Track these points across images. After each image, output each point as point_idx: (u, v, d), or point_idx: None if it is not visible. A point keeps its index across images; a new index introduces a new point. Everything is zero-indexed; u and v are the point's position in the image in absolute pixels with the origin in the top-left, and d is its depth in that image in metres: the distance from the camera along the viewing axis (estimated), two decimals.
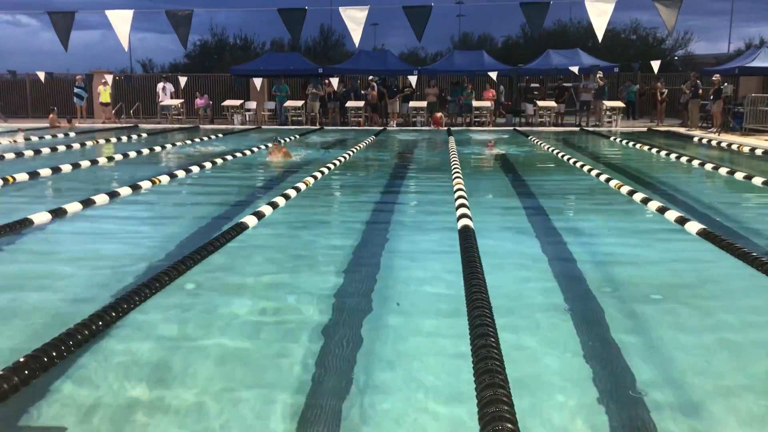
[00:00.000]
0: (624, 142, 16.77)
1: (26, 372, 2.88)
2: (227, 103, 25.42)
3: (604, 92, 24.02)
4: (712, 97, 19.67)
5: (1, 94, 30.34)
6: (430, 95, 25.25)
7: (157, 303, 4.17)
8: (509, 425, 2.38)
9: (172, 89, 25.76)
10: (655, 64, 23.07)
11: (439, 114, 23.77)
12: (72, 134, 19.14)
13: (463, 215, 6.42)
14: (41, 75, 25.35)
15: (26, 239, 6.16)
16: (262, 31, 69.54)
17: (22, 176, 9.68)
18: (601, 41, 14.84)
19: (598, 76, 23.42)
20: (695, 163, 11.91)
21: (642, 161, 13.22)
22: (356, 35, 13.75)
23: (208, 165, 11.49)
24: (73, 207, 7.25)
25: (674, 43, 43.40)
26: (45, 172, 10.30)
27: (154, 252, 5.71)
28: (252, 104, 25.83)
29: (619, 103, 23.64)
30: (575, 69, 23.27)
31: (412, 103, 24.40)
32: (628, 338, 3.77)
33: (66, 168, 10.95)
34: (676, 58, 33.40)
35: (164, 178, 9.62)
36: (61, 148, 14.85)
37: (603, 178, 9.64)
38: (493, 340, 3.08)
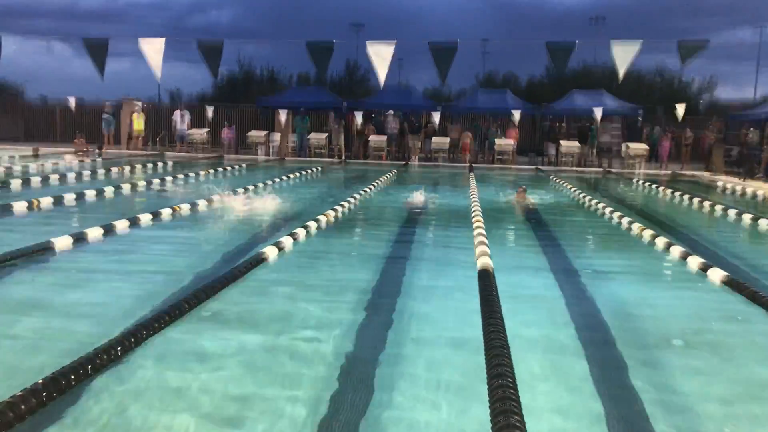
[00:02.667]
0: (647, 185, 16.68)
1: (44, 395, 2.90)
2: (252, 134, 25.72)
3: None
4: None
5: (32, 119, 31.04)
6: (453, 132, 25.40)
7: (177, 330, 4.19)
8: None
9: (189, 118, 25.98)
10: (680, 108, 22.99)
11: (467, 141, 24.08)
12: (99, 161, 19.47)
13: (483, 254, 6.40)
14: (72, 101, 25.85)
15: (47, 263, 6.24)
16: (289, 64, 70.54)
17: (46, 201, 9.85)
18: (625, 84, 14.84)
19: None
20: (719, 209, 11.80)
21: (665, 206, 13.12)
22: (382, 71, 13.91)
23: (228, 195, 11.60)
24: (95, 232, 7.35)
25: (699, 87, 43.39)
26: (69, 197, 10.48)
27: (174, 280, 5.75)
28: (276, 136, 26.09)
29: (643, 146, 23.56)
30: (599, 110, 23.27)
31: (435, 140, 24.52)
32: (647, 383, 3.71)
33: (90, 194, 11.13)
34: (701, 102, 33.31)
35: (185, 207, 9.71)
36: (87, 174, 15.10)
37: (625, 221, 9.56)
38: (510, 380, 3.05)
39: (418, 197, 12.15)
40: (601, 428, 3.19)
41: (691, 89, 42.40)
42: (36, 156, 20.86)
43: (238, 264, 5.87)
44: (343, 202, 10.62)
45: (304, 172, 17.26)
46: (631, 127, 24.37)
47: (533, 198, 11.33)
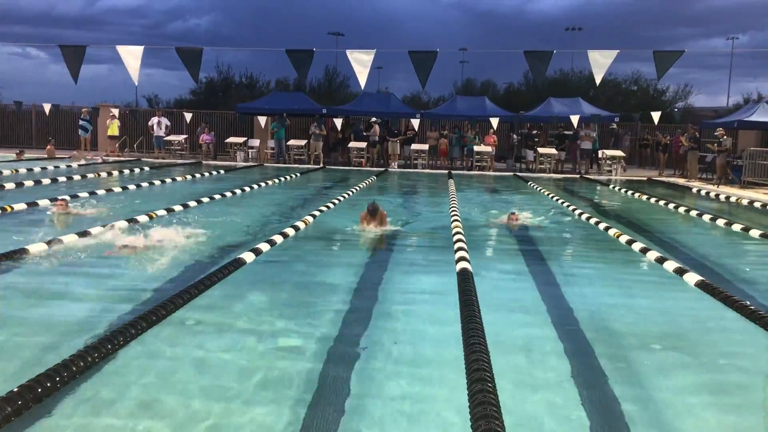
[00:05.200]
0: (623, 191, 16.85)
1: (19, 402, 2.86)
2: (231, 140, 25.59)
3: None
4: (716, 150, 19.75)
5: (7, 125, 30.62)
6: (431, 138, 25.51)
7: (152, 336, 4.15)
8: None
9: (168, 123, 25.74)
10: (655, 116, 23.29)
11: (444, 147, 24.48)
12: (75, 165, 19.25)
13: (462, 258, 6.43)
14: (47, 107, 25.50)
15: (23, 269, 6.14)
16: (268, 70, 70.66)
17: (20, 206, 9.73)
18: (602, 91, 15.01)
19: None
20: (694, 213, 11.95)
21: (641, 211, 13.26)
22: (362, 77, 13.91)
23: (205, 200, 11.54)
24: (69, 238, 7.26)
25: (674, 95, 44.02)
26: (44, 203, 10.34)
27: (150, 285, 5.69)
28: (255, 142, 25.99)
29: (619, 152, 23.82)
30: (575, 118, 23.50)
31: (414, 146, 24.60)
32: (624, 386, 3.75)
33: (65, 198, 10.98)
34: (676, 110, 33.77)
35: (161, 212, 9.64)
36: (62, 179, 14.92)
37: (602, 226, 9.66)
38: (490, 385, 3.06)
39: (400, 199, 12.13)
40: (578, 428, 3.21)
41: (666, 97, 43.07)
42: (20, 159, 20.73)
43: (215, 269, 5.83)
44: (321, 207, 10.61)
45: (283, 178, 17.20)
46: (610, 134, 24.64)
47: (522, 217, 11.00)
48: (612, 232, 9.07)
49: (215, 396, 3.45)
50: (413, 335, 4.60)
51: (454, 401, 3.31)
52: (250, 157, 25.48)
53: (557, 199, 13.67)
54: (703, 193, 17.14)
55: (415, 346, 4.36)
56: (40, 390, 3.00)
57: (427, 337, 4.58)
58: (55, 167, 18.34)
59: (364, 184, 15.94)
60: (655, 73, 14.59)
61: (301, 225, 8.83)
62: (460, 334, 4.09)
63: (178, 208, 10.26)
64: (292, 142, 24.98)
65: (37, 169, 17.10)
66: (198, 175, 17.58)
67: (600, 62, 14.19)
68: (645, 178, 21.76)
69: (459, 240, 7.65)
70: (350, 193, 13.52)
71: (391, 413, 3.31)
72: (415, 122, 24.65)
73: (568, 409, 3.46)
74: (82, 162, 20.81)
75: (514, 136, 25.62)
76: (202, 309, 4.93)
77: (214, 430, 3.07)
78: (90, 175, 16.18)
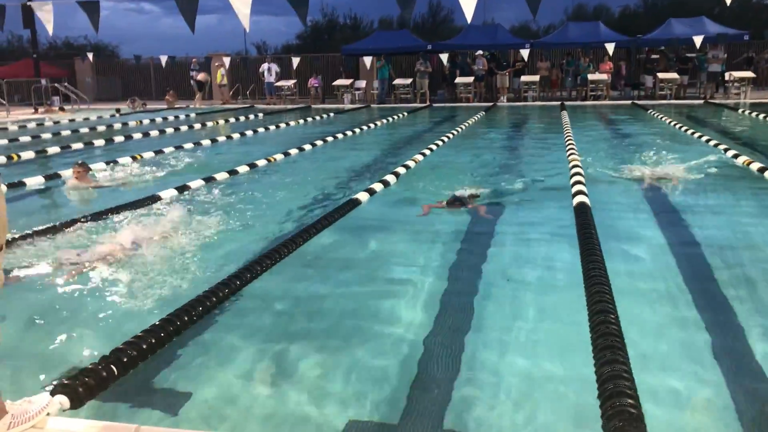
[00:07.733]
0: (754, 115, 15.65)
1: (162, 334, 3.09)
2: (338, 82, 25.78)
3: None
4: None
5: (128, 78, 32.36)
6: (542, 69, 24.60)
7: (274, 274, 4.34)
8: (629, 400, 2.32)
9: (277, 69, 26.20)
10: None
11: (555, 77, 23.74)
12: (192, 115, 20.13)
13: (579, 192, 6.25)
14: (163, 59, 26.64)
15: (156, 213, 6.55)
16: (371, 9, 70.16)
17: (148, 154, 10.36)
18: (729, 8, 13.72)
19: None
20: None
21: None
22: (468, 11, 13.46)
23: (319, 143, 11.78)
24: (196, 183, 7.65)
25: None
26: (169, 150, 10.95)
27: (270, 225, 5.94)
28: (362, 83, 26.05)
29: (749, 74, 22.05)
30: (699, 39, 21.84)
31: (523, 78, 23.85)
32: (752, 318, 3.56)
33: (188, 146, 11.57)
34: None
35: (279, 156, 9.96)
36: (183, 128, 15.68)
37: (730, 154, 9.06)
38: (612, 316, 3.00)
39: (511, 133, 11.88)
40: (703, 362, 3.10)
41: None
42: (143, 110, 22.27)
43: (332, 209, 5.99)
44: (431, 145, 10.56)
45: (390, 119, 17.22)
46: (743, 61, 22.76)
47: (644, 148, 10.27)
48: (741, 159, 8.50)
49: (328, 333, 3.59)
50: (528, 272, 4.56)
51: (573, 334, 3.27)
52: (357, 98, 25.62)
53: (680, 127, 12.91)
54: None
55: (531, 283, 4.33)
56: (179, 323, 3.22)
57: (544, 274, 4.52)
58: (200, 113, 19.25)
59: (473, 120, 15.71)
60: None
61: (411, 164, 8.85)
62: (579, 270, 4.01)
63: (294, 151, 10.56)
64: (398, 81, 24.84)
65: (171, 118, 18.16)
66: (309, 119, 17.93)
67: None
68: None
69: (576, 173, 7.41)
70: (459, 129, 13.37)
71: (512, 345, 3.32)
72: (525, 53, 23.81)
73: (691, 341, 3.33)
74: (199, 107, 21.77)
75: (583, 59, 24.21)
76: (319, 247, 5.10)
77: (336, 361, 3.20)
78: (209, 123, 16.89)
